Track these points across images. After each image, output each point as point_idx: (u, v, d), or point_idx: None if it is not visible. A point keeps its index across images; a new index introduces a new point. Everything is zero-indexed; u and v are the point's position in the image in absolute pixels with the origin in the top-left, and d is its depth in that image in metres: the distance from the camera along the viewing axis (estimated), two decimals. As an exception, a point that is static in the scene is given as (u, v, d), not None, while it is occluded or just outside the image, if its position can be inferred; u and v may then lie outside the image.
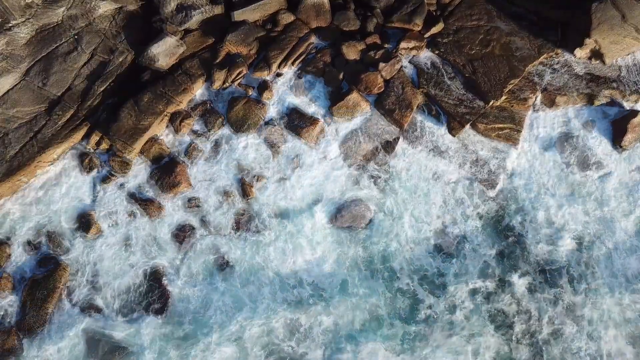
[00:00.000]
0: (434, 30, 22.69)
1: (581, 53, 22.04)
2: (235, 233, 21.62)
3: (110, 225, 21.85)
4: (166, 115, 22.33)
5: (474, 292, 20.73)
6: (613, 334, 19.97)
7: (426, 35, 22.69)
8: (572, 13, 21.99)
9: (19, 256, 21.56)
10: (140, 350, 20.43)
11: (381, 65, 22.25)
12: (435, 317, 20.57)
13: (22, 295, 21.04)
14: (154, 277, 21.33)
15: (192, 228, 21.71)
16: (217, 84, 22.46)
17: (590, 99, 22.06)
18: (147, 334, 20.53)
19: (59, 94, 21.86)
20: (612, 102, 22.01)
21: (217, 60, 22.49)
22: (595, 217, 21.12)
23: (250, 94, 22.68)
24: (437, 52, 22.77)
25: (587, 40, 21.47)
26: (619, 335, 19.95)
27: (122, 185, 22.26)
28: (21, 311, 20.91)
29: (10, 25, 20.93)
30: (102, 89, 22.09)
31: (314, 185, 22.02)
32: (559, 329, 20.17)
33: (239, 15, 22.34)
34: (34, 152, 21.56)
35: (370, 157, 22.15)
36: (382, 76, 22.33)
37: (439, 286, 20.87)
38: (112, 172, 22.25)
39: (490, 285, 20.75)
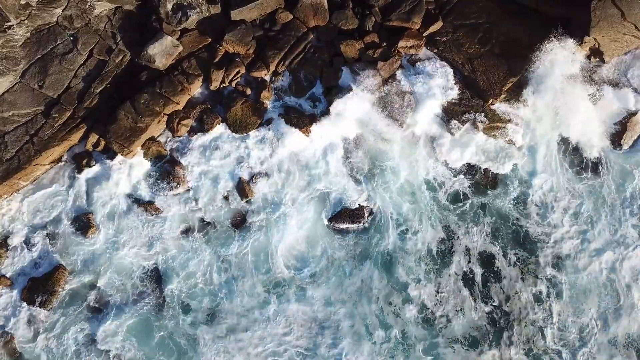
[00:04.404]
0: (433, 28, 22.58)
1: (580, 51, 21.92)
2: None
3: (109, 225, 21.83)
4: (164, 116, 22.23)
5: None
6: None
7: (425, 34, 22.57)
8: (572, 11, 21.84)
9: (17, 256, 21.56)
10: None
11: (380, 64, 22.15)
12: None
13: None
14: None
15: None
16: (214, 84, 22.37)
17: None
18: None
19: (56, 95, 21.73)
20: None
21: (215, 60, 22.37)
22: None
23: (249, 93, 22.58)
24: (435, 50, 22.66)
25: (587, 38, 21.35)
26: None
27: (120, 186, 22.13)
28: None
29: (6, 26, 20.78)
30: (99, 89, 21.95)
31: (313, 183, 22.07)
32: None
33: (236, 14, 22.20)
34: (31, 154, 21.46)
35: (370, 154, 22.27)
36: (380, 75, 22.23)
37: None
38: (111, 173, 22.13)
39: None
